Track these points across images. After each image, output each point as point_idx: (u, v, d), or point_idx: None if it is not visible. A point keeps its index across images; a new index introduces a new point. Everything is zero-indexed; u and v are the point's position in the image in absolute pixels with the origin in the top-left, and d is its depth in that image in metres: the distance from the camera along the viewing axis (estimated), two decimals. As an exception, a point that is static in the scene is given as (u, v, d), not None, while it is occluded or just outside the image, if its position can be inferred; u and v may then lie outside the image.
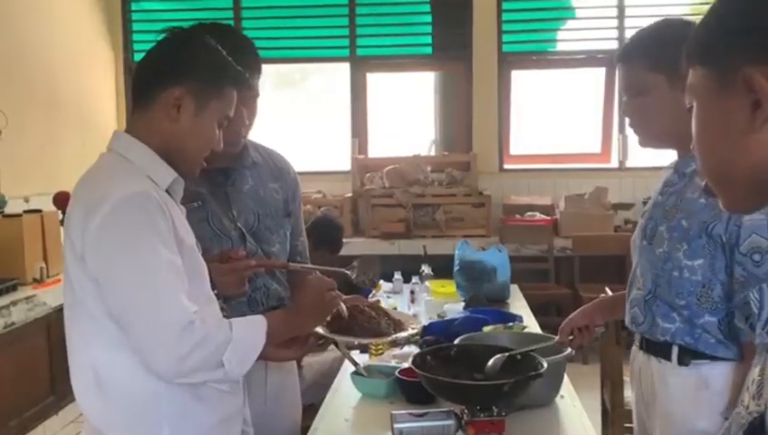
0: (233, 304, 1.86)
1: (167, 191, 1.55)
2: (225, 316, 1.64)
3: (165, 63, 1.55)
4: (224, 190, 1.91)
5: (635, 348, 1.80)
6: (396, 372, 2.18)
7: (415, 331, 1.97)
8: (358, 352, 2.68)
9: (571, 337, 2.02)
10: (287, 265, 1.96)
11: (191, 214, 1.79)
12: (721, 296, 1.57)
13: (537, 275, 5.37)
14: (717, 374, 1.60)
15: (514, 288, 3.68)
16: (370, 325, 1.88)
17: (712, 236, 1.56)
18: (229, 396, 1.60)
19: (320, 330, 1.86)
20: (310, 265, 2.15)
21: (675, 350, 1.66)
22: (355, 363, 2.23)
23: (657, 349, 1.69)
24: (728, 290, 1.57)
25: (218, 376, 1.47)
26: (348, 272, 2.21)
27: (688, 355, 1.64)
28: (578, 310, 2.08)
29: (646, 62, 1.62)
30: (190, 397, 1.50)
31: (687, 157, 1.63)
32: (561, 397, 2.10)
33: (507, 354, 1.86)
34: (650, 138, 1.70)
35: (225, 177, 1.91)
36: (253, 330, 1.53)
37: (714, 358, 1.61)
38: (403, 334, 1.94)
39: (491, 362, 1.83)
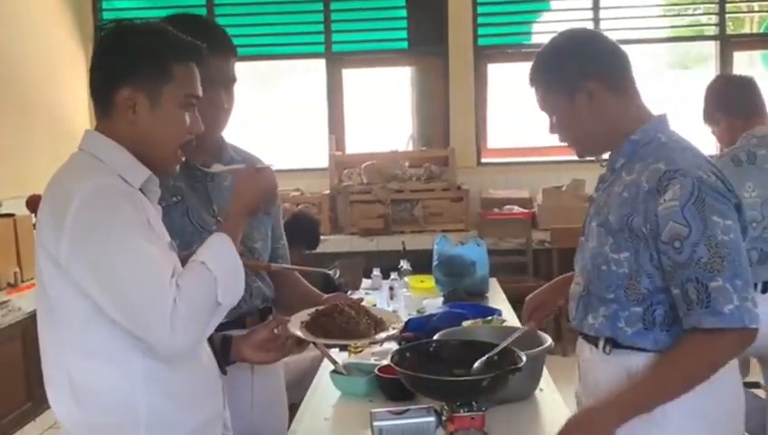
0: None
1: (141, 191, 1.51)
2: None
3: (105, 67, 1.51)
4: (203, 186, 1.89)
5: (580, 338, 1.82)
6: (375, 370, 2.17)
7: (395, 330, 1.93)
8: (337, 350, 2.65)
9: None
10: (269, 267, 1.94)
11: (171, 209, 1.78)
12: (648, 288, 1.59)
13: (516, 268, 5.37)
14: (637, 364, 1.61)
15: (493, 282, 3.68)
16: (349, 326, 1.84)
17: (632, 228, 1.58)
18: (208, 401, 1.58)
19: (298, 333, 1.83)
20: (291, 266, 2.13)
21: (601, 341, 1.69)
22: (334, 362, 2.21)
23: (590, 339, 1.73)
24: (655, 281, 1.58)
25: (221, 315, 1.46)
26: (330, 273, 2.18)
27: (611, 345, 1.66)
28: (538, 290, 2.11)
29: (543, 84, 1.74)
30: (168, 403, 1.48)
31: (616, 153, 1.70)
32: (541, 390, 2.10)
33: (487, 356, 1.84)
34: (580, 150, 1.78)
35: (204, 173, 1.88)
36: (225, 256, 1.48)
37: (634, 348, 1.62)
38: (383, 335, 1.91)
39: (476, 365, 1.82)
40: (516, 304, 3.36)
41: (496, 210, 5.67)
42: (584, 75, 1.67)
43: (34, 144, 5.06)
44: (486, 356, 1.83)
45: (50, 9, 5.47)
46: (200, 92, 1.55)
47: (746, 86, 3.08)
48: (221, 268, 1.44)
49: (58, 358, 1.47)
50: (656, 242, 1.55)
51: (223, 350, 1.74)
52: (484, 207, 5.74)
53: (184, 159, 1.59)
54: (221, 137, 1.97)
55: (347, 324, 1.84)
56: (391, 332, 1.92)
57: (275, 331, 1.79)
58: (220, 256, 1.47)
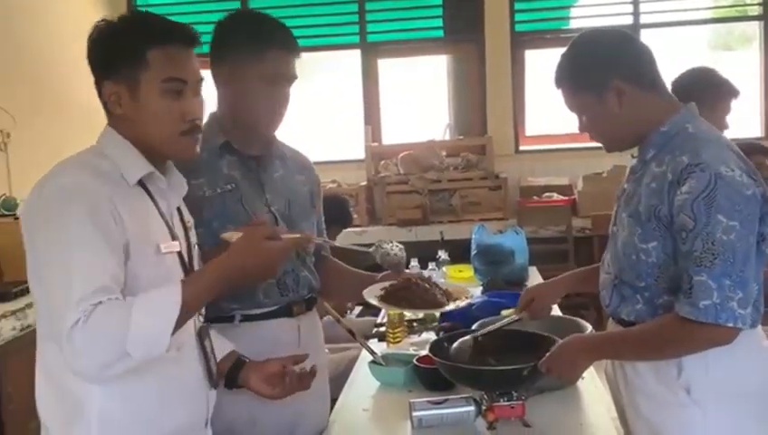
0: (263, 287, 1.85)
1: (144, 187, 1.48)
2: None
3: (91, 65, 1.50)
4: (256, 176, 1.92)
5: (612, 323, 1.83)
6: (413, 360, 2.15)
7: (468, 300, 2.00)
8: (375, 340, 2.65)
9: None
10: (310, 238, 1.89)
11: (226, 196, 1.83)
12: (679, 275, 1.60)
13: (556, 256, 5.29)
14: None
15: (533, 271, 3.64)
16: (427, 296, 1.90)
17: (660, 218, 1.62)
18: (179, 412, 1.50)
19: (375, 302, 1.89)
20: (332, 242, 2.14)
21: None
22: (372, 352, 2.21)
23: (627, 325, 1.73)
24: None
25: (128, 363, 1.32)
26: (371, 251, 2.19)
27: None
28: (539, 283, 2.13)
29: (571, 86, 1.77)
30: (124, 410, 1.41)
31: (647, 145, 1.72)
32: (582, 378, 2.05)
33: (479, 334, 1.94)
34: (611, 146, 1.82)
35: (256, 164, 1.93)
36: (160, 315, 1.34)
37: None
38: (462, 303, 1.96)
39: (456, 344, 1.92)
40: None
41: (536, 198, 5.60)
42: (611, 74, 1.70)
43: (72, 143, 5.02)
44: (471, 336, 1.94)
45: (85, 9, 5.53)
46: (187, 75, 1.47)
47: None
48: (144, 324, 1.31)
49: (39, 351, 1.47)
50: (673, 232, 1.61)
51: (232, 372, 1.69)
52: (523, 196, 5.68)
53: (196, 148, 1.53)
54: None
55: (425, 295, 1.90)
56: (464, 301, 1.97)
57: (285, 367, 1.69)
58: (153, 313, 1.33)
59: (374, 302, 1.88)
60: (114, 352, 1.30)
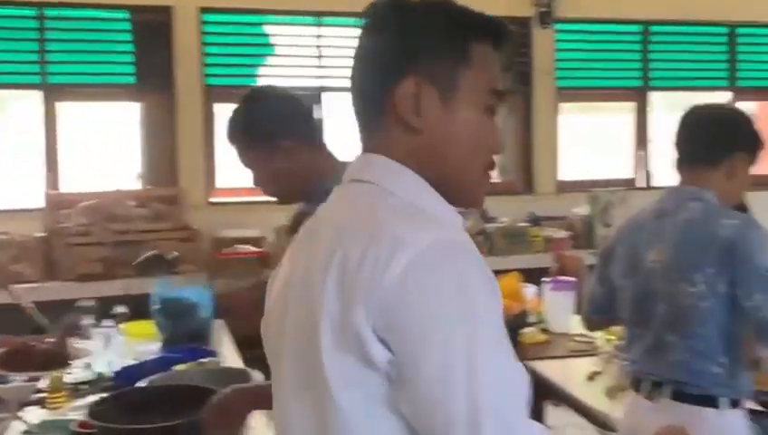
0: None
1: None
2: None
3: (376, 57, 1.06)
4: None
5: None
6: (71, 426, 2.01)
7: None
8: (37, 407, 2.43)
9: None
10: None
11: None
12: None
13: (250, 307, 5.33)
14: None
15: (221, 323, 3.61)
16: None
17: None
18: None
19: None
20: None
21: None
22: (24, 421, 2.02)
23: None
24: None
25: None
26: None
27: None
28: None
29: (244, 143, 1.91)
30: None
31: (307, 199, 1.91)
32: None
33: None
34: (281, 199, 2.08)
35: None
36: None
37: None
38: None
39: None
40: (248, 344, 3.32)
41: (229, 250, 5.60)
42: (281, 133, 1.84)
43: None
44: None
45: None
46: (504, 89, 1.10)
47: None
48: None
49: None
50: None
51: None
52: (216, 248, 5.64)
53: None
54: None
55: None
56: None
57: None
58: None
59: None
60: None
